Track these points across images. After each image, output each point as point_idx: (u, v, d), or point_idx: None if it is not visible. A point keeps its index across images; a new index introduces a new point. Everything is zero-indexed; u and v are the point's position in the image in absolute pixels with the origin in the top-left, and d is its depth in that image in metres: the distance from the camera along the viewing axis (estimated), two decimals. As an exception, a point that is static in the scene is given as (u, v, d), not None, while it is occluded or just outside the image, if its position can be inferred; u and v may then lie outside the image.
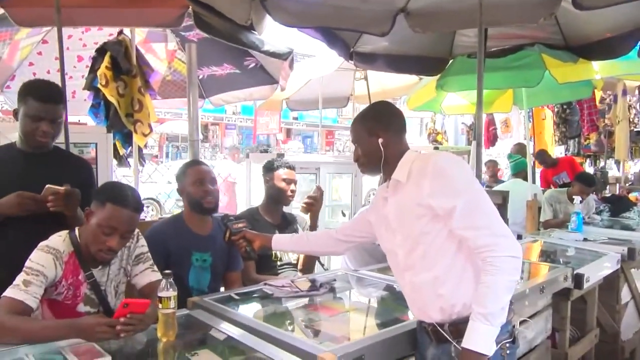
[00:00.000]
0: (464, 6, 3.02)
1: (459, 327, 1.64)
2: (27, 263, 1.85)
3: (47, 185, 2.06)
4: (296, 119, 25.11)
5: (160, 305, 1.73)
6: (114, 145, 3.58)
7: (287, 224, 3.06)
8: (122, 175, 3.99)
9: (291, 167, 3.01)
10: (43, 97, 2.13)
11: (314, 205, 2.95)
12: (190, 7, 2.71)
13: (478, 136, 2.63)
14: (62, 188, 2.08)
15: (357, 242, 2.19)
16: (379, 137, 1.76)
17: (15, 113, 2.22)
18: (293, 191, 2.99)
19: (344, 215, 4.66)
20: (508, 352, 1.66)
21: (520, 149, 6.24)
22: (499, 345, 1.61)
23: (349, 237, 2.16)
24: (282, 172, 2.96)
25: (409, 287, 1.79)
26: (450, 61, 4.44)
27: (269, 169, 3.01)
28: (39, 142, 2.18)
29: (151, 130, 3.66)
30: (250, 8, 2.58)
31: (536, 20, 2.76)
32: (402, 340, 1.86)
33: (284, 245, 2.36)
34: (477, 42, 4.13)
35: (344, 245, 2.19)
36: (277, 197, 2.98)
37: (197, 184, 2.46)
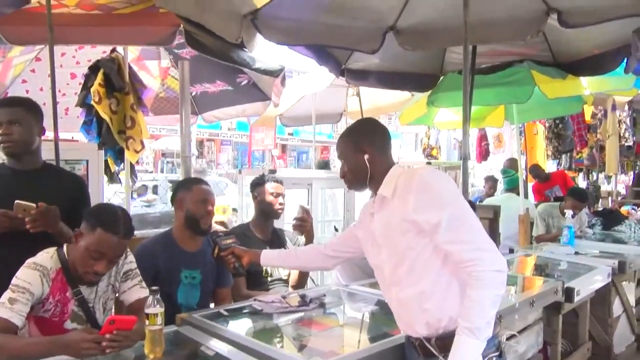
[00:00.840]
0: (452, 24, 3.06)
1: (445, 341, 1.64)
2: (14, 280, 1.85)
3: (16, 202, 2.05)
4: (291, 134, 25.21)
5: (147, 322, 1.73)
6: (106, 162, 3.59)
7: (277, 240, 3.06)
8: (114, 191, 3.99)
9: (278, 181, 3.02)
10: (1, 104, 2.18)
11: (303, 226, 2.95)
12: (182, 25, 2.73)
13: (465, 153, 2.65)
14: (33, 205, 2.06)
15: (346, 257, 2.19)
16: (364, 152, 1.77)
17: None
18: (282, 204, 2.99)
19: (336, 230, 4.64)
20: None
21: (512, 163, 6.27)
22: (485, 359, 1.62)
23: (337, 253, 2.16)
24: (269, 186, 2.97)
25: (395, 302, 1.79)
26: (441, 78, 4.49)
27: (257, 184, 3.02)
28: (4, 147, 2.18)
29: (143, 146, 3.68)
30: (241, 26, 2.62)
31: (524, 37, 2.81)
32: (391, 354, 1.86)
33: (272, 261, 2.36)
34: (467, 59, 4.24)
35: (333, 260, 2.19)
36: (266, 212, 2.98)
37: (200, 203, 2.47)
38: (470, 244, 1.58)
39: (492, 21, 2.87)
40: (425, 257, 1.67)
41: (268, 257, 2.29)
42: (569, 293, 2.84)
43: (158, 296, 1.74)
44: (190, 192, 2.50)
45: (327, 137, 25.43)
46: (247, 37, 2.72)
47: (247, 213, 4.42)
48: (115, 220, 1.91)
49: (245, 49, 3.19)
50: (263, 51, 3.28)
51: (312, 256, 2.24)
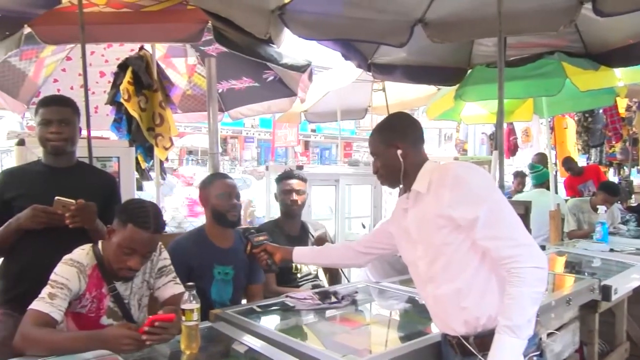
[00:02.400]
0: (483, 15, 3.01)
1: (484, 339, 1.61)
2: (52, 276, 1.87)
3: (56, 198, 2.08)
4: (314, 131, 25.23)
5: (183, 318, 1.73)
6: (136, 159, 3.62)
7: (306, 235, 3.06)
8: (143, 190, 4.03)
9: (292, 177, 3.01)
10: (48, 103, 2.23)
11: None
12: (210, 21, 2.74)
13: (500, 146, 2.59)
14: (72, 202, 2.09)
15: (378, 254, 2.17)
16: (397, 148, 1.75)
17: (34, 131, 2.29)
18: (294, 200, 2.96)
19: (363, 227, 4.63)
20: None
21: (541, 158, 6.14)
22: (526, 358, 1.58)
23: (370, 249, 2.14)
24: (283, 183, 2.99)
25: (431, 299, 1.76)
26: (469, 71, 4.42)
27: (277, 181, 3.06)
28: (53, 145, 2.22)
29: (172, 143, 3.70)
30: (268, 21, 2.61)
31: (556, 28, 2.73)
32: (427, 353, 1.83)
33: (304, 258, 2.35)
34: (495, 51, 4.14)
35: (365, 257, 2.17)
36: (285, 209, 3.00)
37: (222, 196, 2.47)
38: (509, 240, 1.55)
39: (524, 12, 2.80)
40: (462, 253, 1.63)
41: (300, 254, 2.28)
42: (605, 291, 2.76)
43: (194, 292, 1.74)
44: (213, 187, 2.51)
45: (350, 134, 25.38)
46: (275, 32, 2.71)
47: (274, 209, 4.44)
48: (145, 215, 1.91)
49: (272, 45, 3.19)
50: (287, 47, 3.28)
51: (344, 253, 2.22)
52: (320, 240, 3.04)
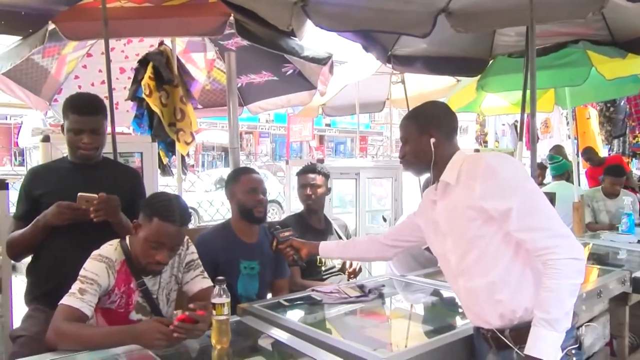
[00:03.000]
0: (507, 4, 2.95)
1: (520, 332, 1.57)
2: (82, 272, 1.88)
3: (79, 194, 2.08)
4: (329, 125, 25.21)
5: (214, 312, 1.73)
6: (158, 154, 3.63)
7: (329, 228, 3.05)
8: (164, 184, 4.04)
9: (309, 171, 3.00)
10: (81, 110, 2.18)
11: None
12: (232, 15, 2.72)
13: (532, 137, 2.56)
14: (95, 196, 2.09)
15: (405, 246, 2.15)
16: (431, 136, 1.72)
17: (62, 128, 2.28)
18: (308, 195, 2.96)
19: (384, 220, 4.60)
20: (574, 358, 1.60)
21: (559, 150, 6.05)
22: (564, 352, 1.55)
23: (397, 242, 2.12)
24: (302, 177, 3.00)
25: (463, 292, 1.74)
26: (490, 61, 4.35)
27: (297, 174, 3.06)
28: (83, 154, 2.23)
29: (193, 138, 3.70)
30: (291, 13, 2.58)
31: (584, 15, 2.66)
32: (458, 347, 1.81)
33: (331, 253, 2.34)
34: (517, 41, 4.08)
35: (392, 250, 2.15)
36: (303, 202, 3.01)
37: (249, 192, 2.46)
38: (545, 231, 1.51)
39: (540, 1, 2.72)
40: (495, 245, 1.60)
41: (327, 249, 2.27)
42: (636, 283, 2.71)
43: (224, 286, 1.74)
44: (239, 183, 2.50)
45: (364, 127, 25.30)
46: (297, 24, 2.69)
47: (294, 203, 4.43)
48: (170, 209, 1.91)
49: (293, 37, 3.17)
50: (305, 40, 3.25)
51: (371, 247, 2.20)
52: None
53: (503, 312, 1.62)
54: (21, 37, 3.09)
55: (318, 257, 2.82)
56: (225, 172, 13.16)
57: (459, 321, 2.07)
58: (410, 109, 1.93)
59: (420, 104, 1.93)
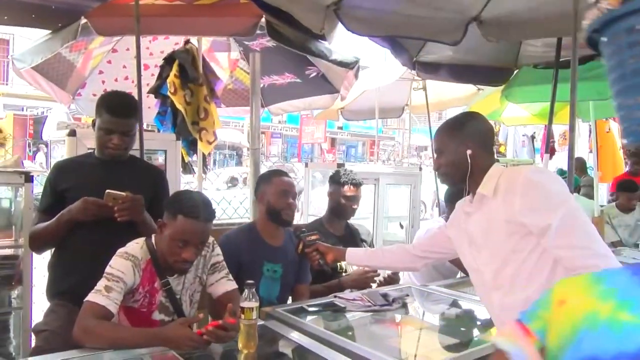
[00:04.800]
0: (541, 14, 2.92)
1: None
2: (108, 269, 1.86)
3: (107, 191, 2.07)
4: (341, 128, 25.18)
5: (242, 316, 1.70)
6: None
7: (350, 236, 3.01)
8: (185, 182, 4.04)
9: (357, 184, 2.92)
10: (115, 111, 2.17)
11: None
12: (264, 16, 2.72)
13: (571, 146, 2.52)
14: (123, 194, 2.09)
15: (435, 258, 2.12)
16: (467, 147, 1.69)
17: (93, 123, 2.28)
18: (355, 209, 2.93)
19: (401, 227, 4.57)
20: None
21: (578, 164, 5.98)
22: None
23: (427, 253, 2.08)
24: (347, 189, 2.89)
25: (497, 307, 1.69)
26: (515, 71, 4.31)
27: (335, 181, 2.95)
28: (111, 153, 2.22)
29: (216, 138, 3.70)
30: (324, 17, 2.57)
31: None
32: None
33: (358, 260, 2.30)
34: (544, 52, 4.03)
35: (422, 261, 2.11)
36: (337, 212, 2.94)
37: (281, 195, 2.44)
38: (585, 249, 1.48)
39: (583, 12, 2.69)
40: (533, 261, 1.57)
41: (354, 256, 2.24)
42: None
43: (254, 290, 1.72)
44: (271, 185, 2.48)
45: (377, 132, 25.25)
46: (329, 27, 2.67)
47: (312, 207, 4.41)
48: (194, 205, 1.89)
49: (321, 41, 3.16)
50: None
51: (400, 256, 2.16)
52: None
53: None
54: (50, 31, 3.11)
55: (339, 263, 2.80)
56: (236, 171, 13.18)
57: (484, 335, 2.04)
58: (432, 118, 1.92)
59: (457, 115, 1.90)
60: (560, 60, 4.00)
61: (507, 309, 1.64)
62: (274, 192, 2.45)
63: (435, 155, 1.82)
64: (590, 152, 6.75)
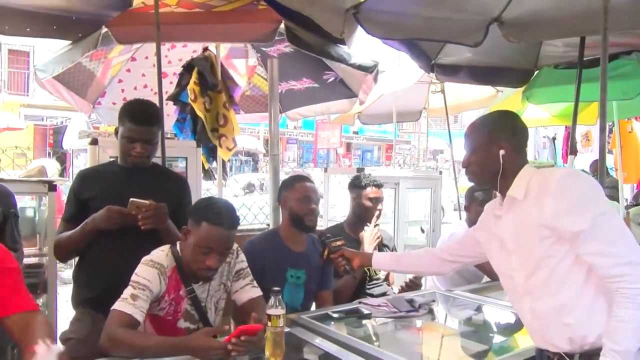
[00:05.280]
0: (563, 14, 2.87)
1: (592, 359, 1.48)
2: (134, 277, 1.86)
3: (131, 199, 2.07)
4: (356, 133, 25.14)
5: (269, 324, 1.69)
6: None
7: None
8: (205, 189, 4.04)
9: (378, 186, 2.93)
10: (137, 120, 2.18)
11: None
12: (283, 22, 2.71)
13: (602, 148, 2.46)
14: (146, 202, 2.09)
15: (465, 262, 2.07)
16: (500, 147, 1.62)
17: (116, 131, 2.28)
18: (380, 210, 2.92)
19: (422, 231, 4.52)
20: None
21: (597, 165, 5.86)
22: None
23: (455, 257, 2.03)
24: (369, 191, 2.89)
25: (528, 313, 1.63)
26: (536, 72, 4.25)
27: (356, 186, 2.95)
28: (134, 161, 2.23)
29: (235, 144, 3.70)
30: (344, 20, 2.55)
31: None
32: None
33: (384, 264, 2.26)
34: (564, 52, 3.97)
35: (450, 265, 2.06)
36: (363, 216, 2.91)
37: (303, 200, 2.44)
38: (619, 257, 1.41)
39: (615, 8, 2.63)
40: (565, 266, 1.51)
41: (380, 260, 2.20)
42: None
43: (280, 297, 1.70)
44: (293, 190, 2.47)
45: (391, 136, 25.17)
46: (348, 31, 2.65)
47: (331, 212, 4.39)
48: (218, 213, 1.88)
49: (339, 45, 3.14)
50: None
51: (428, 261, 2.11)
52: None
53: (572, 336, 1.53)
54: (70, 42, 3.14)
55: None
56: (253, 177, 13.19)
57: (514, 341, 2.00)
58: (456, 119, 1.85)
59: (493, 113, 1.84)
60: (584, 59, 3.95)
61: (538, 315, 1.60)
62: (296, 198, 2.44)
63: (465, 152, 1.73)
64: (610, 152, 6.63)
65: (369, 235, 2.82)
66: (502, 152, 1.61)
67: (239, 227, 2.02)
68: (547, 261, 1.53)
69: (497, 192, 1.74)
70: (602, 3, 2.21)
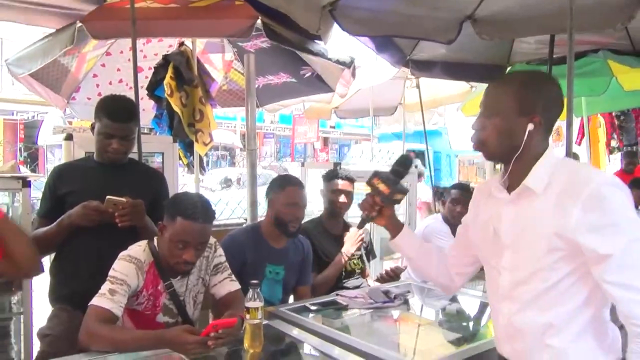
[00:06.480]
0: (535, 13, 2.95)
1: None
2: (111, 272, 1.87)
3: (107, 197, 2.07)
4: (333, 127, 25.19)
5: (247, 316, 1.72)
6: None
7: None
8: (182, 184, 4.04)
9: (346, 178, 2.91)
10: (114, 116, 2.17)
11: None
12: (260, 18, 2.73)
13: (568, 147, 2.54)
14: (123, 200, 2.09)
15: (469, 273, 1.70)
16: (530, 120, 1.32)
17: (92, 127, 2.28)
18: (344, 202, 2.89)
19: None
20: None
21: (573, 158, 6.02)
22: None
23: (463, 277, 1.69)
24: (339, 183, 2.89)
25: (505, 320, 1.42)
26: (508, 68, 4.35)
27: (326, 179, 2.97)
28: (111, 157, 2.23)
29: (211, 139, 3.71)
30: (320, 17, 2.58)
31: (614, 25, 2.66)
32: (490, 357, 1.79)
33: (407, 247, 1.69)
34: (536, 49, 4.07)
35: (459, 280, 1.71)
36: (333, 208, 2.92)
37: (291, 206, 2.42)
38: None
39: (581, 8, 2.72)
40: (566, 285, 1.30)
41: (406, 240, 1.67)
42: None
43: (258, 290, 1.73)
44: (283, 193, 2.45)
45: (368, 131, 25.29)
46: (324, 28, 2.69)
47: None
48: (193, 207, 1.89)
49: (316, 41, 3.17)
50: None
51: (443, 270, 1.70)
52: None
53: (551, 359, 1.34)
54: (44, 36, 3.10)
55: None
56: (229, 172, 13.12)
57: (488, 329, 2.06)
58: (500, 80, 1.46)
59: (531, 72, 1.54)
60: (554, 56, 4.06)
61: (516, 327, 1.40)
62: (284, 203, 2.43)
63: (480, 111, 1.41)
64: (579, 145, 6.81)
65: (352, 236, 2.81)
66: (530, 126, 1.33)
67: (217, 222, 2.03)
68: (548, 274, 1.31)
69: (500, 168, 1.47)
70: (569, 4, 2.28)
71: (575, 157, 6.09)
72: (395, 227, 1.66)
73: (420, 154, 13.77)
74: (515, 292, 1.38)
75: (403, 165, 1.62)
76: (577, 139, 7.43)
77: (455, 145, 12.63)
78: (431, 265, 1.70)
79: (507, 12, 2.97)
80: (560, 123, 7.21)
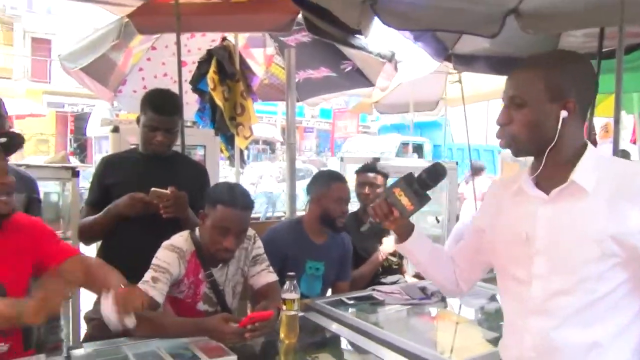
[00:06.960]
0: (580, 5, 2.85)
1: None
2: (154, 260, 1.93)
3: (152, 189, 2.13)
4: (374, 122, 25.06)
5: (284, 307, 1.76)
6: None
7: (381, 231, 3.02)
8: (223, 176, 4.12)
9: (369, 170, 2.95)
10: (159, 109, 2.23)
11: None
12: (301, 12, 2.75)
13: (616, 144, 2.46)
14: (167, 192, 2.14)
15: (476, 279, 1.56)
16: (564, 107, 1.17)
17: (137, 120, 2.35)
18: (366, 194, 2.90)
19: (438, 221, 4.53)
20: None
21: (624, 156, 5.81)
22: None
23: (469, 283, 1.54)
24: (360, 175, 2.96)
25: (537, 335, 1.22)
26: (555, 63, 4.22)
27: (355, 173, 3.03)
28: (155, 150, 2.29)
29: (252, 133, 3.77)
30: (360, 11, 2.57)
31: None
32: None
33: (418, 251, 1.52)
34: (584, 42, 3.93)
35: (464, 286, 1.54)
36: (358, 202, 2.96)
37: (338, 202, 2.44)
38: None
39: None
40: (618, 296, 1.15)
41: (417, 242, 1.49)
42: None
43: (295, 282, 1.76)
44: (330, 190, 2.46)
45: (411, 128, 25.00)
46: (365, 22, 2.67)
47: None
48: (232, 195, 1.95)
49: (357, 35, 3.17)
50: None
51: (450, 276, 1.53)
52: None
53: None
54: (92, 32, 3.22)
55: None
56: (270, 166, 13.26)
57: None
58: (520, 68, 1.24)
59: (561, 52, 1.35)
60: (603, 50, 3.91)
61: (552, 345, 1.21)
62: (332, 199, 2.44)
63: (504, 103, 1.25)
64: (634, 144, 6.55)
65: (387, 248, 2.78)
66: (564, 113, 1.17)
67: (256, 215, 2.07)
68: (598, 285, 1.15)
69: (528, 163, 1.30)
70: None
71: (625, 154, 5.88)
72: (405, 230, 1.49)
73: (418, 147, 13.47)
74: (552, 305, 1.20)
75: (434, 178, 1.42)
76: (632, 136, 7.19)
77: (458, 138, 12.15)
78: (439, 270, 1.54)
79: (552, 5, 2.87)
80: (610, 120, 6.98)
